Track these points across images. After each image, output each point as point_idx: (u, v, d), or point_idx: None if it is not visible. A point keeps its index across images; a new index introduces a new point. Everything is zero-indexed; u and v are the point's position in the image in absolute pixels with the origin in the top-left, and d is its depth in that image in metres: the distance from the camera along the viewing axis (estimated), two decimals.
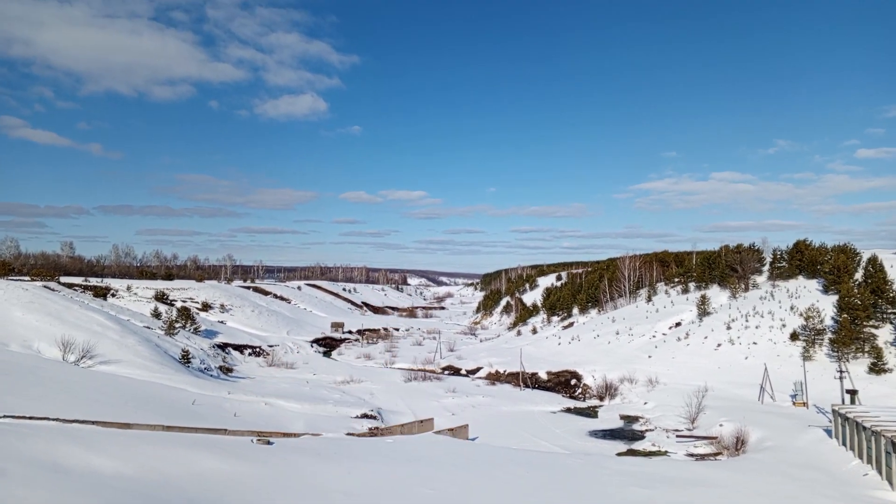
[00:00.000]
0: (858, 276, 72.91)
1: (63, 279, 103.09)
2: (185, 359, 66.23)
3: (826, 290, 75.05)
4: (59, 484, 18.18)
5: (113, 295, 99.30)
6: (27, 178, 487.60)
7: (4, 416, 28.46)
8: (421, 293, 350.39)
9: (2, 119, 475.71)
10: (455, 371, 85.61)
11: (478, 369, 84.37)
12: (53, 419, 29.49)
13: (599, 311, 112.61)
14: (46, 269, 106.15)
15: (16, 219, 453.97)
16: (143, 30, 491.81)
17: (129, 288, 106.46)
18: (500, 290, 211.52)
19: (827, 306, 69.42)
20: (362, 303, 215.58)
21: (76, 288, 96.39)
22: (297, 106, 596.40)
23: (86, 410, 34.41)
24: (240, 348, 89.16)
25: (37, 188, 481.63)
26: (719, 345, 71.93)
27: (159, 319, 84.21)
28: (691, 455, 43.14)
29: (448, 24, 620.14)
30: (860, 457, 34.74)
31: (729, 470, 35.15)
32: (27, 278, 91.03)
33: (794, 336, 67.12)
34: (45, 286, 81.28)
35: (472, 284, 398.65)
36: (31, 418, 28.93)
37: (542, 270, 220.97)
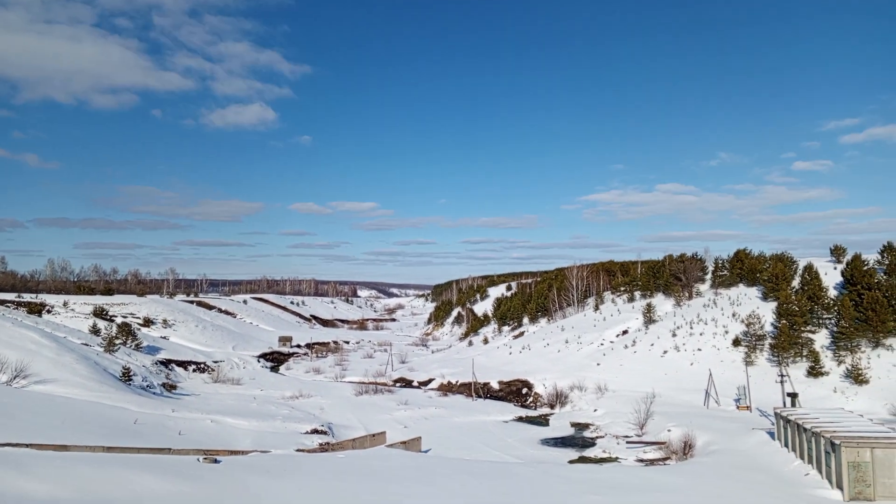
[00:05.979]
0: (795, 283, 75.79)
1: None
2: (126, 376, 63.73)
3: (766, 298, 77.69)
4: None
5: (48, 311, 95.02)
6: None
7: None
8: (371, 305, 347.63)
9: None
10: (407, 383, 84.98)
11: (430, 381, 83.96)
12: None
13: (549, 320, 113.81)
14: None
15: None
16: (85, 36, 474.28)
17: (65, 304, 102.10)
18: (451, 300, 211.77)
19: (767, 313, 71.82)
20: (311, 316, 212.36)
21: (8, 304, 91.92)
22: (245, 115, 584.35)
23: (19, 433, 32.69)
24: (184, 364, 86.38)
25: None
26: (665, 352, 73.52)
27: (98, 336, 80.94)
28: (641, 460, 43.77)
29: (400, 35, 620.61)
30: (801, 457, 35.89)
31: (678, 474, 35.77)
32: None
33: (736, 342, 69.17)
34: None
35: (423, 296, 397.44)
36: None
37: (492, 281, 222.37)
